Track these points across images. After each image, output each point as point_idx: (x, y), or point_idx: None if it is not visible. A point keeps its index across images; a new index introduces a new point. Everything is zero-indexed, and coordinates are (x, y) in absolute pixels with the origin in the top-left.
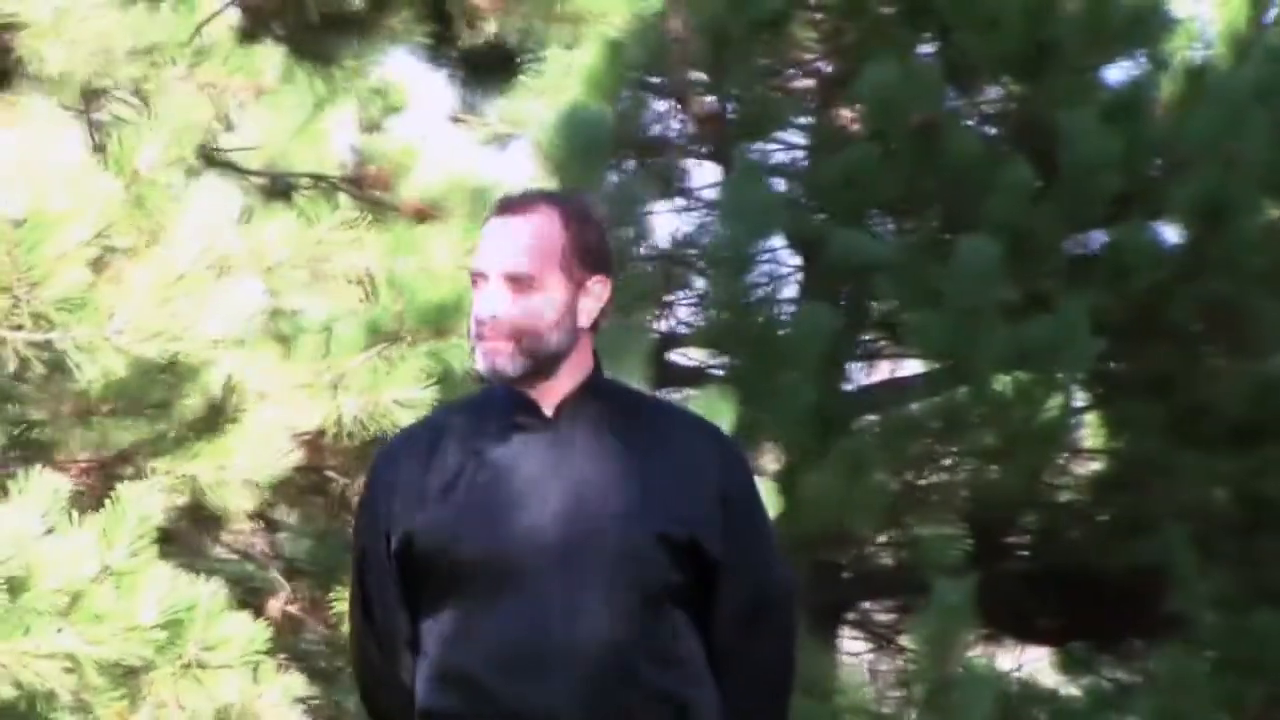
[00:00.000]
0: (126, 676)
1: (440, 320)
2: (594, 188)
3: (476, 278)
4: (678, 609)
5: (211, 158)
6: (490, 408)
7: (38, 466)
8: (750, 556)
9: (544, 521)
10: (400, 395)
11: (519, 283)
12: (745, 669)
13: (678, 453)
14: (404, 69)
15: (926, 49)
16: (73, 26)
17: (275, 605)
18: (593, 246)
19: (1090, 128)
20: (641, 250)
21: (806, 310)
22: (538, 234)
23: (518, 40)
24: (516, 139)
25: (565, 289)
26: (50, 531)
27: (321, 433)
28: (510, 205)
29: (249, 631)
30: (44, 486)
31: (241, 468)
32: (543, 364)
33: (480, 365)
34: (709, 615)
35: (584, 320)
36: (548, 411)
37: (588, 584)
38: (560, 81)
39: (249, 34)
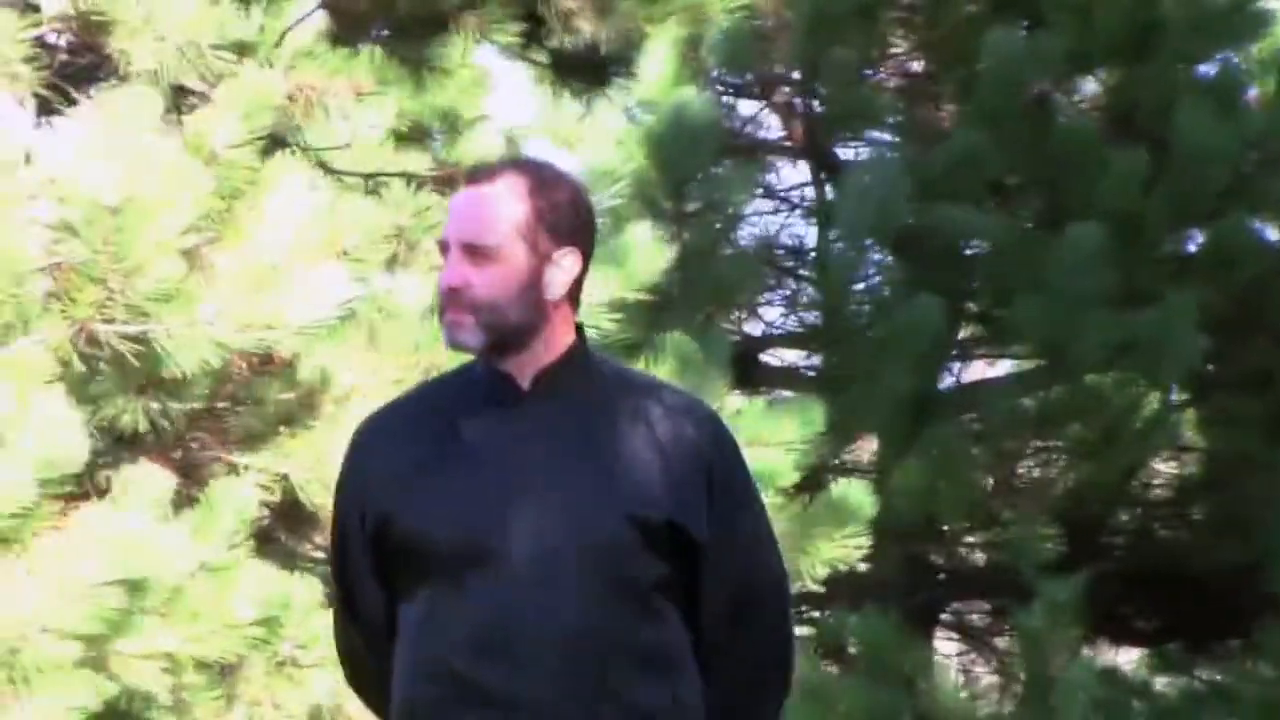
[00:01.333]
0: (223, 675)
1: None
2: (685, 185)
3: (442, 248)
4: (661, 598)
5: (305, 158)
6: (468, 384)
7: (140, 461)
8: (737, 544)
9: (514, 502)
10: None
11: (478, 254)
12: (732, 666)
13: (659, 432)
14: (494, 68)
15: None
16: (162, 25)
17: None
18: (561, 216)
19: (1203, 120)
20: (732, 250)
21: (907, 306)
22: (499, 203)
23: (610, 42)
24: (606, 137)
25: (528, 260)
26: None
27: None
28: (476, 174)
29: None
30: (145, 483)
31: (334, 466)
32: (506, 337)
33: (444, 338)
34: (697, 608)
35: (552, 293)
36: (524, 386)
37: (558, 568)
38: (653, 80)
39: (340, 35)
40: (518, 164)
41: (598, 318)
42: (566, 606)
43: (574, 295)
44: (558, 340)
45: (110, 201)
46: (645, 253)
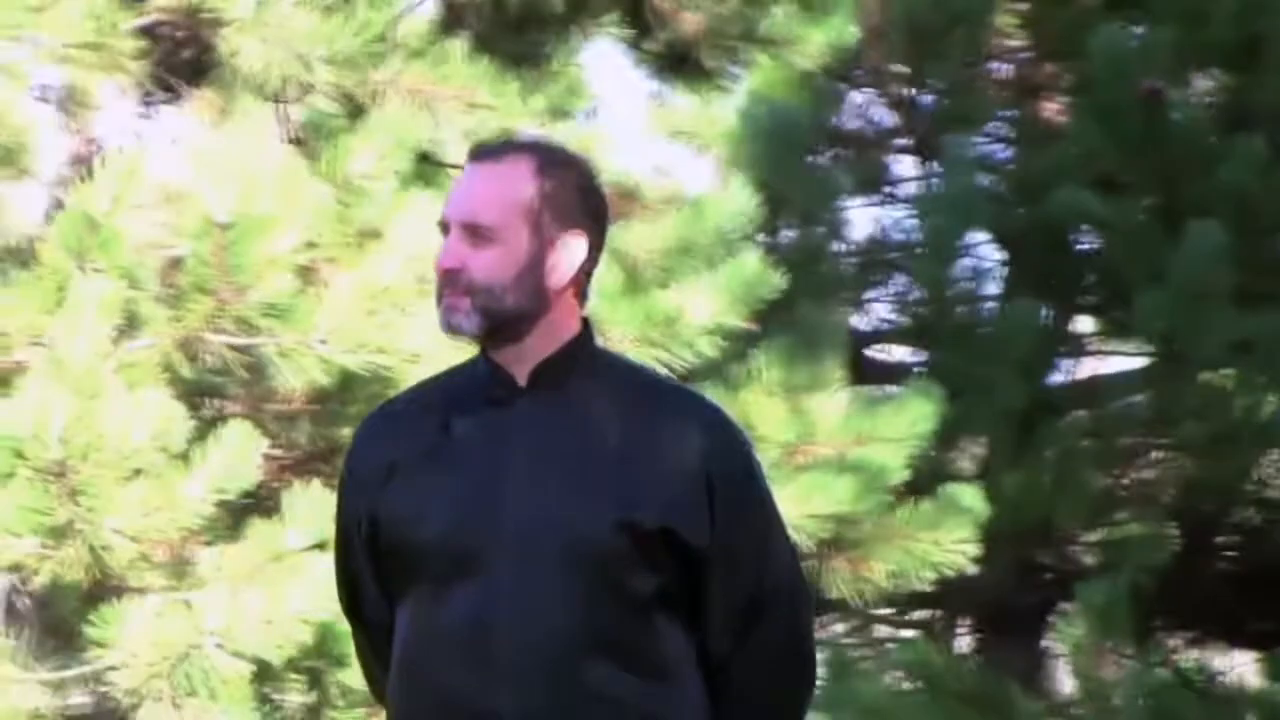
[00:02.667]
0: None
1: (641, 329)
2: (791, 181)
3: (442, 228)
4: (657, 608)
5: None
6: (468, 379)
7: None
8: (744, 551)
9: (501, 503)
10: None
11: (477, 234)
12: (740, 686)
13: (659, 432)
14: (600, 65)
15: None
16: (271, 23)
17: None
18: (569, 200)
19: None
20: (840, 245)
21: (1014, 307)
22: (502, 182)
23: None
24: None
25: (530, 244)
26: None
27: None
28: (481, 152)
29: None
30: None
31: None
32: (502, 325)
33: (439, 322)
34: (702, 617)
35: (555, 280)
36: (521, 381)
37: (542, 574)
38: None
39: (445, 33)
40: (525, 143)
41: (699, 342)
42: (551, 616)
43: (580, 285)
44: (560, 331)
45: (223, 216)
46: (751, 278)
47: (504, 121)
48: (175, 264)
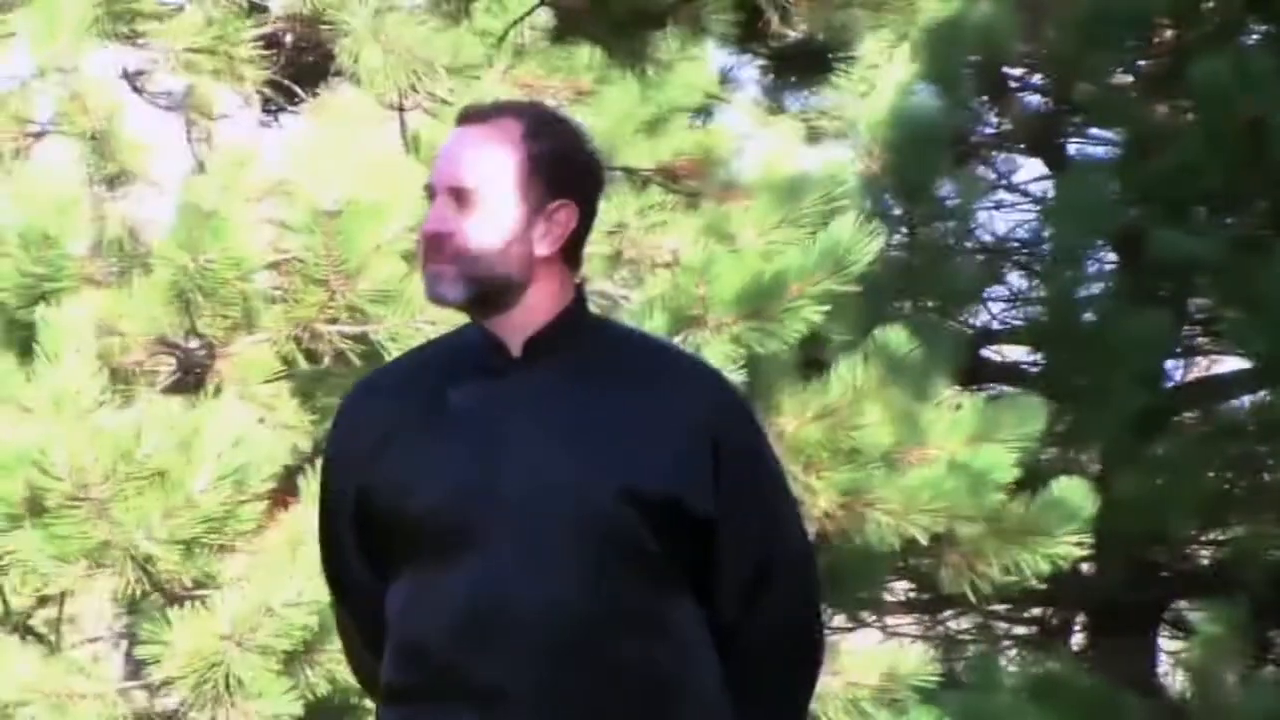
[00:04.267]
0: None
1: (745, 304)
2: (929, 182)
3: (428, 193)
4: (666, 577)
5: None
6: (459, 349)
7: None
8: (751, 517)
9: (500, 476)
10: None
11: (462, 199)
12: (751, 652)
13: (662, 398)
14: (714, 63)
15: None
16: (389, 32)
17: None
18: (559, 165)
19: None
20: (963, 245)
21: (1134, 314)
22: (490, 146)
23: (829, 36)
24: (829, 131)
25: (518, 210)
26: None
27: None
28: (469, 115)
29: None
30: None
31: None
32: (489, 292)
33: (425, 289)
34: (711, 586)
35: (544, 247)
36: (515, 351)
37: (547, 545)
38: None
39: (561, 33)
40: (516, 106)
41: (806, 311)
42: (559, 587)
43: (571, 252)
44: (551, 300)
45: (331, 205)
46: (851, 243)
47: (616, 123)
48: (283, 257)
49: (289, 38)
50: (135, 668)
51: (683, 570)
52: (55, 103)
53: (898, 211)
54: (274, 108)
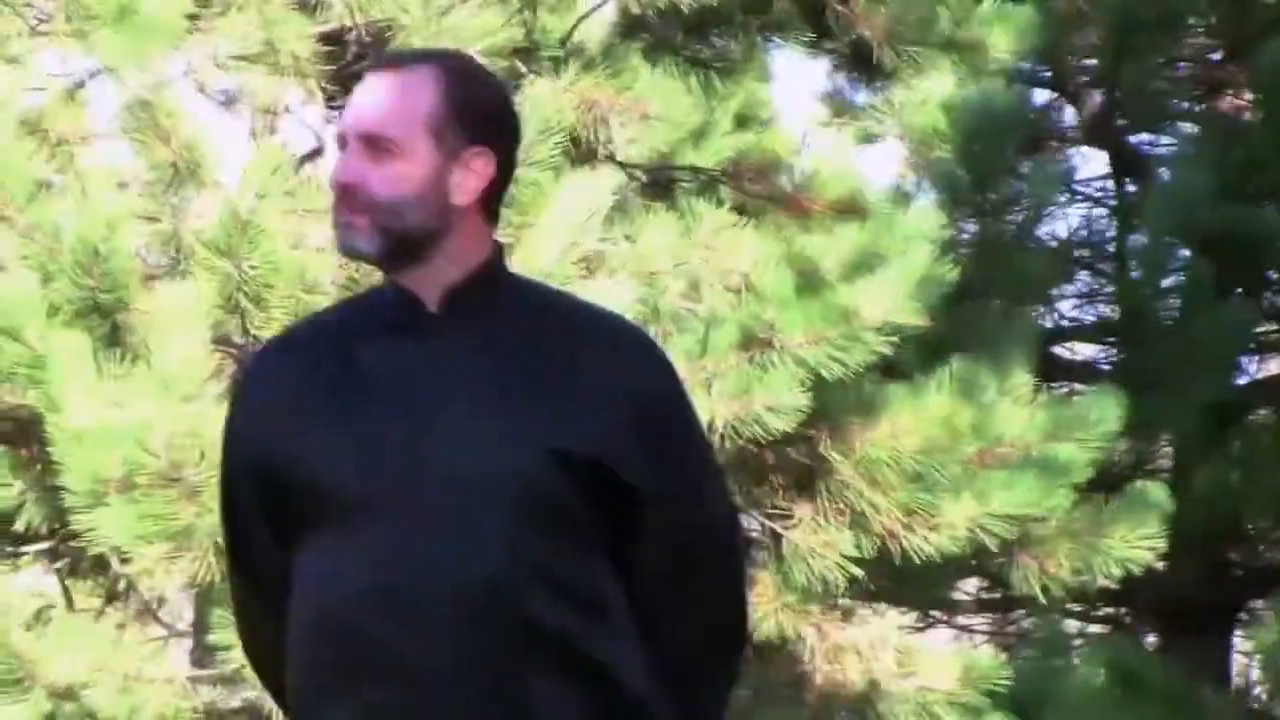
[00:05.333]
0: None
1: (814, 330)
2: (999, 177)
3: (340, 141)
4: (595, 549)
5: (592, 154)
6: (372, 306)
7: None
8: (676, 486)
9: (418, 438)
10: (772, 401)
11: (376, 147)
12: (674, 632)
13: (586, 360)
14: (783, 64)
15: None
16: (445, 27)
17: None
18: (476, 112)
19: None
20: (1032, 243)
21: (1211, 308)
22: (404, 92)
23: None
24: (896, 133)
25: (433, 158)
26: None
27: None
28: (384, 61)
29: None
30: None
31: None
32: (404, 245)
33: (336, 243)
34: (634, 562)
35: (460, 197)
36: (432, 306)
37: (469, 511)
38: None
39: (626, 34)
40: (432, 53)
41: (869, 340)
42: (477, 558)
43: (489, 204)
44: (467, 254)
45: None
46: (925, 274)
47: (679, 125)
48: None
49: (353, 34)
50: (206, 657)
51: (608, 545)
52: (117, 103)
53: (965, 206)
54: (338, 105)
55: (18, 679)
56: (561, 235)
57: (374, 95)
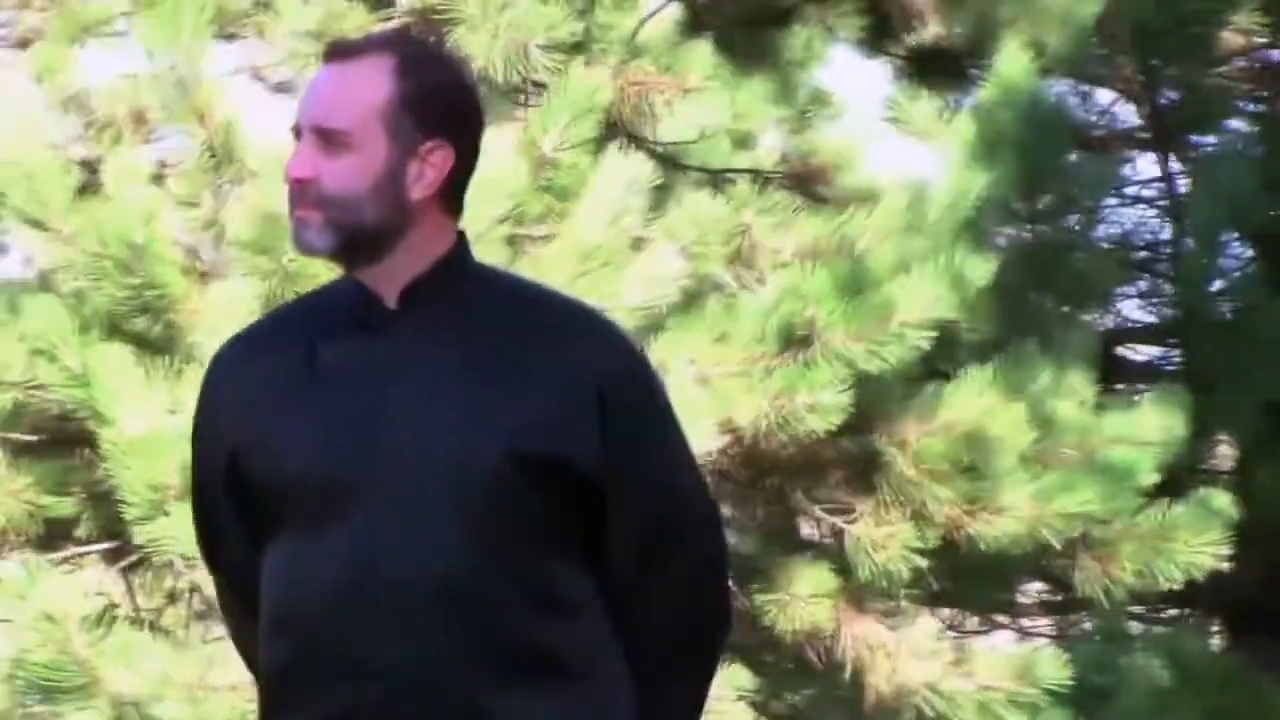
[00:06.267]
0: None
1: (854, 327)
2: (1049, 179)
3: (294, 134)
4: (553, 543)
5: (649, 152)
6: (331, 302)
7: None
8: (642, 478)
9: (377, 435)
10: (814, 400)
11: (329, 140)
12: (645, 627)
13: (545, 351)
14: (844, 64)
15: None
16: (504, 22)
17: None
18: (434, 102)
19: None
20: (1089, 244)
21: (1273, 304)
22: (358, 83)
23: (960, 34)
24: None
25: (388, 151)
26: None
27: (761, 425)
28: (336, 50)
29: None
30: None
31: None
32: (360, 241)
33: (291, 239)
34: (602, 553)
35: (418, 191)
36: (391, 303)
37: (427, 510)
38: (1005, 73)
39: (687, 31)
40: (388, 39)
41: (909, 336)
42: (437, 554)
43: (450, 196)
44: (428, 247)
45: None
46: (963, 268)
47: (739, 109)
48: None
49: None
50: None
51: (572, 535)
52: (171, 98)
53: (1019, 206)
54: None
55: (81, 685)
56: (603, 209)
57: (327, 86)
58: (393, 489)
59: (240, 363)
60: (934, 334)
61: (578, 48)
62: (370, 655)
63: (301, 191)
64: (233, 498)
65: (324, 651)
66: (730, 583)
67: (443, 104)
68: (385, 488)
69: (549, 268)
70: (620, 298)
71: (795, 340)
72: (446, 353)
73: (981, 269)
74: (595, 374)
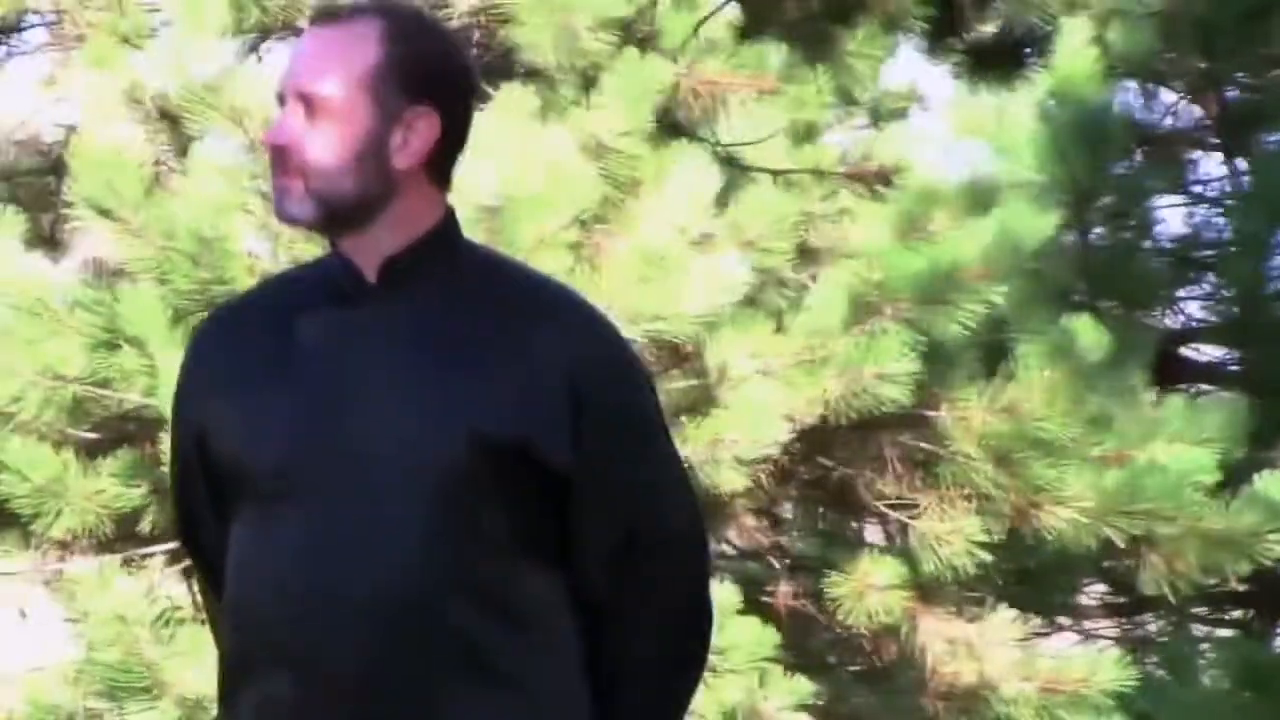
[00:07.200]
0: None
1: (922, 289)
2: (1100, 181)
3: (278, 100)
4: (520, 545)
5: (709, 151)
6: (315, 275)
7: None
8: (618, 476)
9: (341, 418)
10: (883, 370)
11: (312, 106)
12: (620, 632)
13: (521, 335)
14: (908, 61)
15: None
16: (554, 16)
17: (782, 603)
18: (420, 69)
19: None
20: (1149, 244)
21: None
22: (342, 48)
23: (1025, 31)
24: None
25: (373, 119)
26: None
27: (822, 420)
28: (323, 15)
29: (758, 636)
30: None
31: (733, 445)
32: (342, 211)
33: (274, 207)
34: (572, 556)
35: (402, 160)
36: (371, 276)
37: (384, 500)
38: (1065, 70)
39: (750, 28)
40: (375, 5)
41: (985, 292)
42: (393, 549)
43: (438, 168)
44: (413, 220)
45: (492, 200)
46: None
47: (803, 106)
48: None
49: (475, 33)
50: None
51: (542, 538)
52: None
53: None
54: None
55: (146, 687)
56: (673, 218)
57: (311, 51)
58: (351, 480)
59: (221, 336)
60: (1002, 289)
61: (629, 32)
62: (310, 653)
63: (283, 159)
64: (205, 480)
65: (268, 651)
66: (712, 597)
67: (430, 71)
68: (343, 478)
69: (609, 272)
70: (681, 304)
71: (861, 315)
72: (420, 333)
73: (1044, 223)
74: (572, 363)
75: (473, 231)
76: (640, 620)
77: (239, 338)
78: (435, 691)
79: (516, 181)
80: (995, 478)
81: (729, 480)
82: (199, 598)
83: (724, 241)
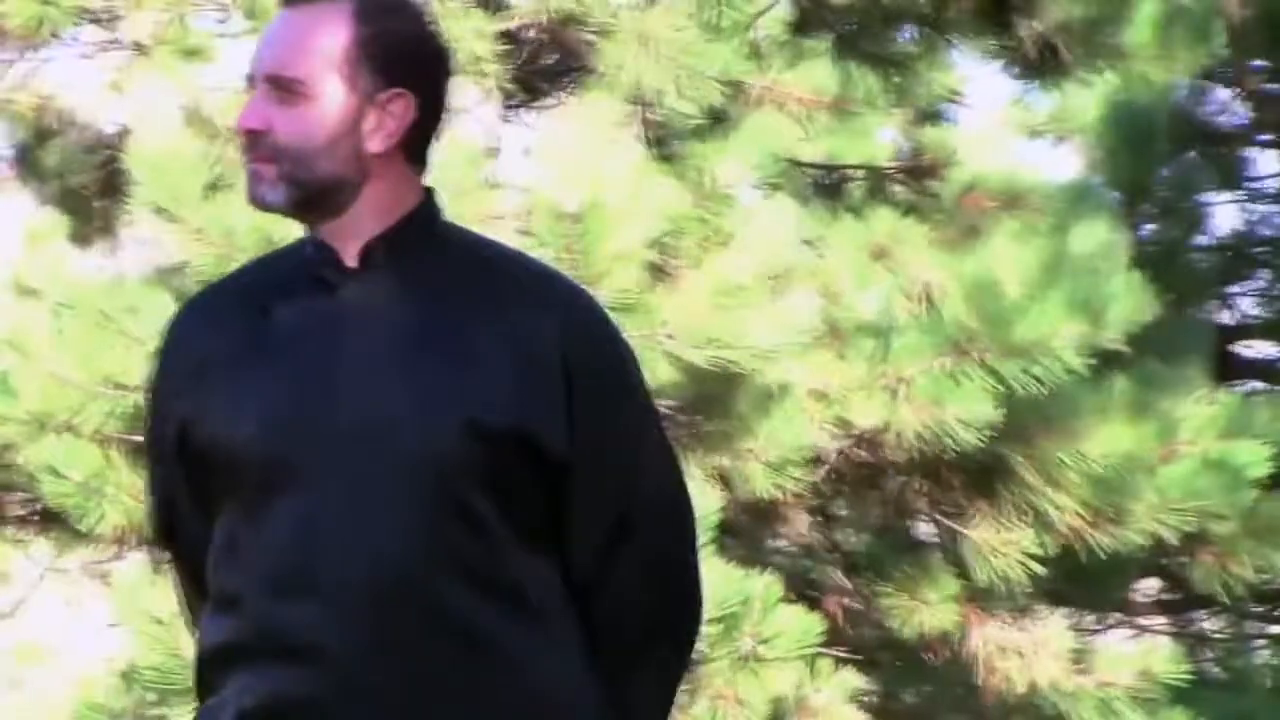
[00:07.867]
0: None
1: (1009, 342)
2: (1147, 179)
3: (248, 84)
4: (513, 529)
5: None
6: (293, 260)
7: None
8: (610, 456)
9: (328, 404)
10: (963, 413)
11: (283, 89)
12: (611, 613)
13: (510, 318)
14: (962, 61)
15: None
16: (636, 29)
17: (833, 600)
18: (394, 50)
19: None
20: (1202, 241)
21: None
22: (314, 30)
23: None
24: (1073, 133)
25: (344, 102)
26: None
27: (883, 429)
28: None
29: (804, 625)
30: None
31: (776, 449)
32: (315, 195)
33: (245, 191)
34: (565, 539)
35: (376, 143)
36: (350, 261)
37: (377, 488)
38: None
39: (800, 29)
40: None
41: (1066, 358)
42: (383, 539)
43: (413, 149)
44: (393, 203)
45: (571, 208)
46: (1125, 300)
47: (864, 123)
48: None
49: (531, 33)
50: None
51: (535, 522)
52: None
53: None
54: (514, 103)
55: (190, 688)
56: (757, 251)
57: (282, 34)
58: (341, 466)
59: (199, 322)
60: (1089, 360)
61: (709, 54)
62: (304, 640)
63: (254, 143)
64: (184, 471)
65: (261, 632)
66: (701, 575)
67: (403, 52)
68: (333, 464)
69: (688, 300)
70: (746, 338)
71: (952, 348)
72: (404, 317)
73: (1139, 299)
74: (564, 347)
75: (551, 240)
76: (628, 594)
77: (218, 325)
78: (435, 669)
79: (597, 193)
80: (1054, 499)
81: (773, 484)
82: (175, 591)
83: (796, 278)
